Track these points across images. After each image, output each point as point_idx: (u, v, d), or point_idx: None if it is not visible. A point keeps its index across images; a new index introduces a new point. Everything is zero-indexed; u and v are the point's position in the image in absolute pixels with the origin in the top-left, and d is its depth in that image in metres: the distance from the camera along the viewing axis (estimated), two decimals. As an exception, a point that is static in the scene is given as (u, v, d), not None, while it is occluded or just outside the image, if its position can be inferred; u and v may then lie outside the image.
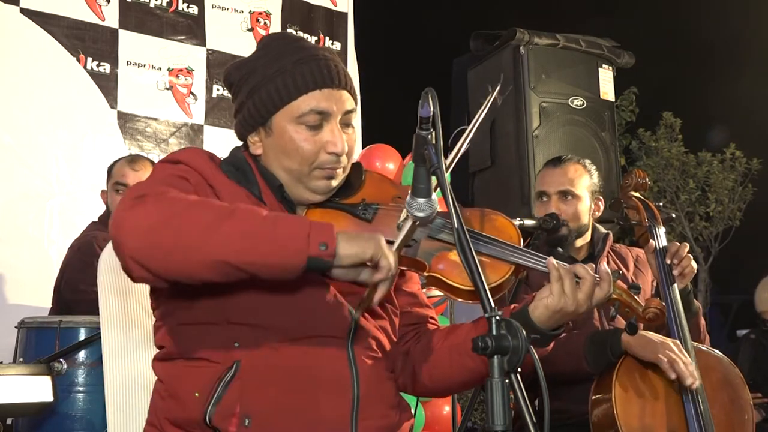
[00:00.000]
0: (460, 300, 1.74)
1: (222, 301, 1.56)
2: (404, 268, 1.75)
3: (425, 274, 1.70)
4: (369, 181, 1.79)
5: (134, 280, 1.48)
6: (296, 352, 1.57)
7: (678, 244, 2.48)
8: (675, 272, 2.43)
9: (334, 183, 1.69)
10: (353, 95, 1.70)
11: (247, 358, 1.55)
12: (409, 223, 1.62)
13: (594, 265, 1.72)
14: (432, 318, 1.87)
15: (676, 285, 2.42)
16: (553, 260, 1.66)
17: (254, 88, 1.65)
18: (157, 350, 1.72)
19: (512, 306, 1.75)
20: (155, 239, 1.40)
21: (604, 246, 2.77)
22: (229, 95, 1.78)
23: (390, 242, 1.66)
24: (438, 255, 1.69)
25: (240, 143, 1.78)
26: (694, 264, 2.46)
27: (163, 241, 1.40)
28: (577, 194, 2.74)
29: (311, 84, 1.63)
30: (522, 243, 1.76)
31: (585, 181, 2.78)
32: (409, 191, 1.59)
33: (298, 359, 1.57)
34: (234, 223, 1.40)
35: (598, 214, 2.83)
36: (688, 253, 2.47)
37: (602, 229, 2.84)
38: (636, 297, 1.78)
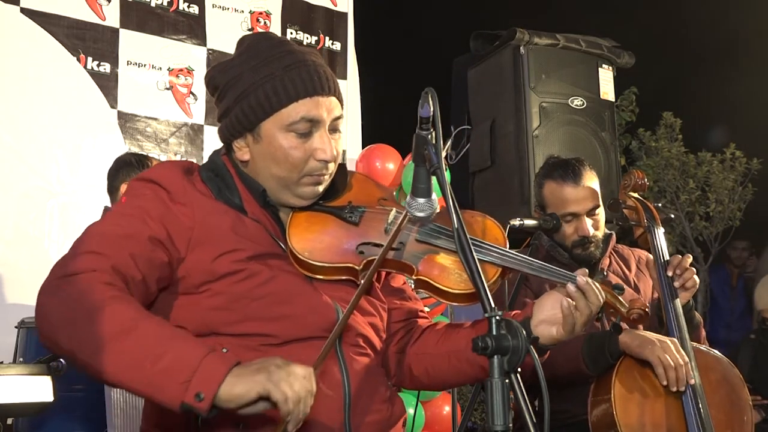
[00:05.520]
0: (447, 302, 1.73)
1: (206, 315, 1.57)
2: (392, 271, 1.75)
3: (413, 277, 1.69)
4: (354, 183, 1.79)
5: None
6: (285, 355, 1.56)
7: (680, 256, 2.43)
8: (677, 284, 2.38)
9: (321, 189, 1.69)
10: (341, 101, 1.70)
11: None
12: (389, 237, 1.62)
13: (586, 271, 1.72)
14: (421, 311, 1.88)
15: (678, 300, 2.37)
16: (565, 303, 1.65)
17: (242, 93, 1.64)
18: None
19: (513, 313, 1.76)
20: (55, 338, 1.43)
21: (606, 246, 2.74)
22: None
23: (378, 246, 1.65)
24: (425, 258, 1.69)
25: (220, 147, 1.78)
26: (696, 278, 2.41)
27: (60, 342, 1.43)
28: (599, 206, 2.70)
29: (302, 92, 1.62)
30: (507, 244, 1.76)
31: (598, 188, 2.72)
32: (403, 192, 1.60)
33: (288, 360, 1.57)
34: (125, 347, 1.39)
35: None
36: (690, 265, 2.42)
37: (605, 230, 2.82)
38: (620, 298, 1.78)
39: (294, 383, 1.36)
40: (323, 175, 1.67)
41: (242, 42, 1.73)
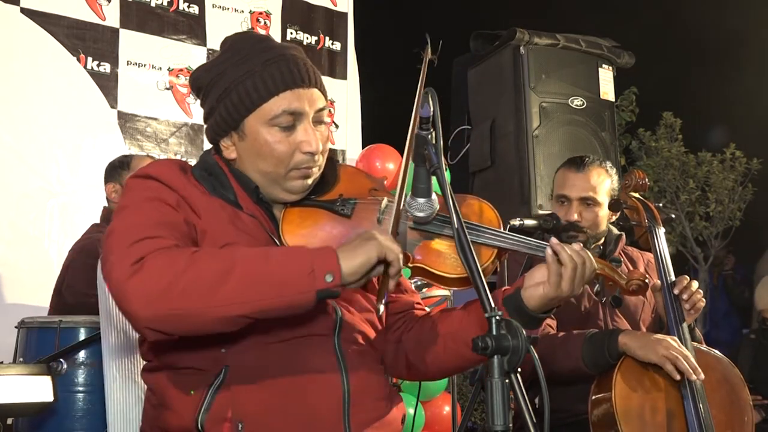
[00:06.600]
0: (444, 287, 1.74)
1: None
2: None
3: (410, 265, 1.70)
4: (344, 176, 1.79)
5: (150, 339, 1.51)
6: (284, 353, 1.58)
7: (687, 278, 2.42)
8: (686, 306, 2.37)
9: (310, 182, 1.69)
10: (323, 92, 1.70)
11: (235, 363, 1.56)
12: (391, 217, 1.62)
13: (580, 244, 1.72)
14: (418, 303, 1.88)
15: (686, 324, 2.36)
16: (550, 252, 1.65)
17: (224, 92, 1.64)
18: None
19: (504, 289, 1.75)
20: (165, 308, 1.40)
21: (615, 247, 2.74)
22: None
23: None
24: (420, 245, 1.70)
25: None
26: (703, 301, 2.40)
27: (173, 308, 1.40)
28: (598, 201, 2.68)
29: (281, 85, 1.62)
30: (502, 226, 1.77)
31: (606, 186, 2.71)
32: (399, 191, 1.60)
33: (286, 359, 1.57)
34: (237, 275, 1.40)
35: (614, 217, 2.77)
36: (697, 289, 2.41)
37: (615, 231, 2.80)
38: (618, 270, 1.78)
39: (395, 244, 1.48)
40: (311, 168, 1.67)
41: (225, 42, 1.73)
